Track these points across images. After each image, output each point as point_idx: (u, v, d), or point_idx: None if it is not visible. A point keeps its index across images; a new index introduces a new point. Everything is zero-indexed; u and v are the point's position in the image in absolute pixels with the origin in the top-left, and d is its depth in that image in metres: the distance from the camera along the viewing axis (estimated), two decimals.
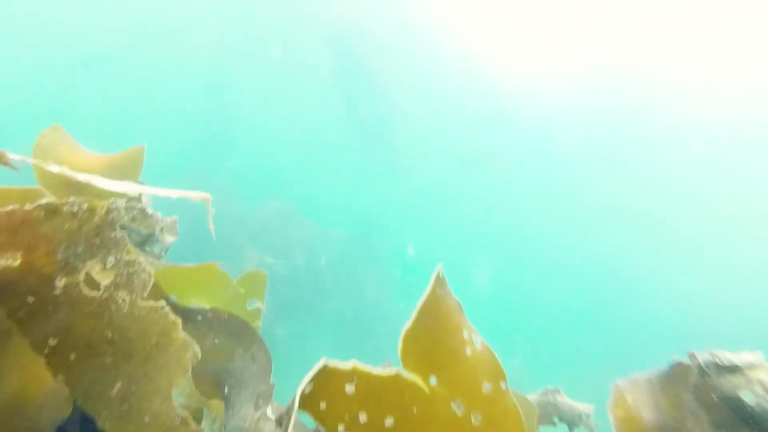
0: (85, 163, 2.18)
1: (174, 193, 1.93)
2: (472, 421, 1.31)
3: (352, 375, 1.36)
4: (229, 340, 2.48)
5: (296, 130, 25.71)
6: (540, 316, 28.01)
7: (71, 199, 1.19)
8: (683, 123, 30.02)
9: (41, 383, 1.50)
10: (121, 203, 1.30)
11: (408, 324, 1.20)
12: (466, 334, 1.29)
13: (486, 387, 1.31)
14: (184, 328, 2.46)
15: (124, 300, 1.35)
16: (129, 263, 1.34)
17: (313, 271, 16.64)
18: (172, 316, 1.44)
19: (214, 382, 2.48)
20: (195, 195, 1.99)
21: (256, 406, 1.91)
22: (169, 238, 2.62)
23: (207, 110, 19.63)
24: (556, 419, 2.65)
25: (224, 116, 19.73)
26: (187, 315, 2.39)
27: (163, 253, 2.60)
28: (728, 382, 1.52)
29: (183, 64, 23.46)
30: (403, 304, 19.52)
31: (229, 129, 19.73)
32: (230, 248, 15.37)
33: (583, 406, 2.64)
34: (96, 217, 1.24)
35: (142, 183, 2.48)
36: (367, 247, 20.08)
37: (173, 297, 2.43)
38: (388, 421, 1.31)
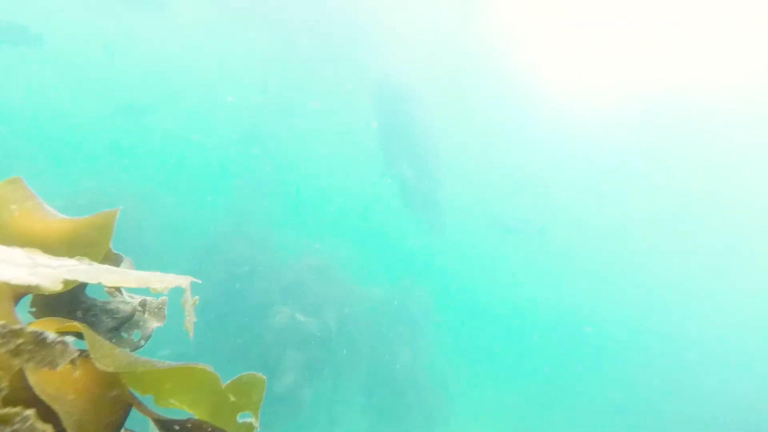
0: (40, 228, 1.72)
1: (131, 280, 1.45)
2: None
3: None
4: None
5: (336, 185, 25.62)
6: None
7: None
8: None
9: None
10: None
11: None
12: None
13: None
14: None
15: None
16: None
17: (345, 331, 15.98)
18: None
19: None
20: (163, 283, 1.50)
21: None
22: (153, 324, 2.13)
23: (247, 160, 19.72)
24: None
25: (264, 167, 19.76)
26: (162, 424, 1.87)
27: (142, 342, 2.10)
28: None
29: (225, 114, 23.91)
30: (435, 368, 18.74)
31: (268, 180, 19.72)
32: (261, 302, 14.96)
33: None
34: None
35: (115, 253, 2.01)
36: (402, 307, 19.39)
37: (149, 396, 1.91)
38: None
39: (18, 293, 1.70)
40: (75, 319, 1.87)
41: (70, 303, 1.88)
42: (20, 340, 0.83)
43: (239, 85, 22.49)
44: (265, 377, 1.86)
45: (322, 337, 14.88)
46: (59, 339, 0.88)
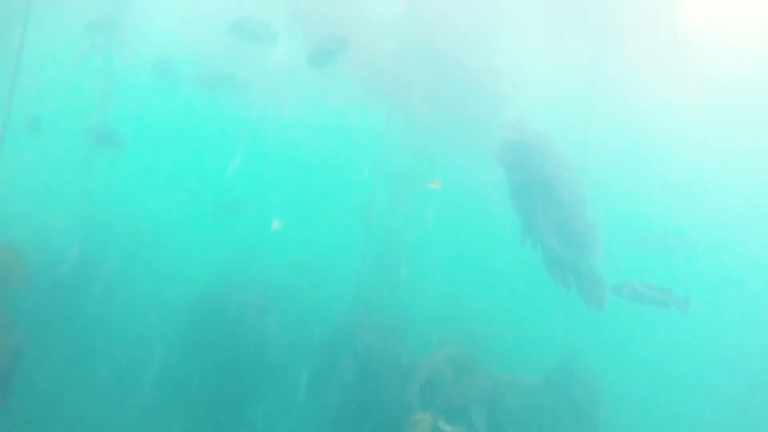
0: None
1: None
2: None
3: None
4: None
5: (472, 257, 23.56)
6: None
7: None
8: None
9: None
10: None
11: None
12: None
13: None
14: None
15: None
16: None
17: None
18: None
19: None
20: None
21: None
22: None
23: (369, 236, 18.35)
24: None
25: (386, 241, 18.35)
26: None
27: None
28: None
29: (345, 193, 23.18)
30: None
31: (393, 259, 18.28)
32: (396, 406, 12.89)
33: None
34: None
35: None
36: (565, 397, 16.21)
37: None
38: None
39: None
40: None
41: None
42: None
43: (352, 158, 21.83)
44: None
45: None
46: None
